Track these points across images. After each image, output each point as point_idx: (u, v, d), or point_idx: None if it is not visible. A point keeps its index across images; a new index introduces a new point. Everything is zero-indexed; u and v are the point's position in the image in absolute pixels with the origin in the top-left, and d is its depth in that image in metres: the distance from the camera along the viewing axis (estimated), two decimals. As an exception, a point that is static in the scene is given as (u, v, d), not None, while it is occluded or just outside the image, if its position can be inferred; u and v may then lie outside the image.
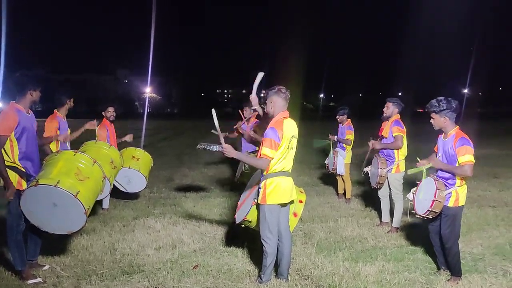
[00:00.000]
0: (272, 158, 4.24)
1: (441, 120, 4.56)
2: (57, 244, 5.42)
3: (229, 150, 4.24)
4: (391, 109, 6.47)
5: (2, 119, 4.34)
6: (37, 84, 4.58)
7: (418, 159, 4.82)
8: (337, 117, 8.33)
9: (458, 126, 4.59)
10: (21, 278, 4.53)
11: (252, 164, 4.47)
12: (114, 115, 7.31)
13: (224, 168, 12.03)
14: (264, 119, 4.82)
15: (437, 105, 4.55)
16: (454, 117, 4.58)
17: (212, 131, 4.40)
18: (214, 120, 4.36)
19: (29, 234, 4.77)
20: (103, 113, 7.25)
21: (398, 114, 6.48)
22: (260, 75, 4.77)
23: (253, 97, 5.00)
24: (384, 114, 6.54)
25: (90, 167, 4.69)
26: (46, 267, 4.90)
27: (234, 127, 8.37)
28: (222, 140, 4.35)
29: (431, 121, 4.65)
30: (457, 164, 4.45)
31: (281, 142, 4.25)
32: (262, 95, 4.85)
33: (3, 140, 4.29)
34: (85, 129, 6.23)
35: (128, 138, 7.61)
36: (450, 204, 4.50)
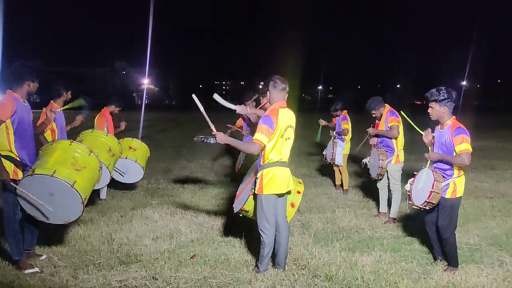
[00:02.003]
0: (265, 145, 4.26)
1: (440, 110, 4.52)
2: (54, 234, 5.42)
3: (219, 137, 4.25)
4: (378, 112, 6.50)
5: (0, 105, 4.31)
6: (35, 75, 4.53)
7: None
8: (332, 113, 8.35)
9: (454, 117, 4.58)
10: (18, 268, 4.53)
11: (243, 149, 4.46)
12: (117, 113, 7.43)
13: (222, 159, 12.03)
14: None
15: (437, 93, 4.51)
16: (452, 107, 4.56)
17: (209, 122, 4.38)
18: (199, 106, 4.35)
19: (26, 224, 4.76)
20: (111, 106, 7.27)
21: (387, 105, 6.48)
22: (216, 96, 4.78)
23: (240, 110, 4.99)
24: (377, 118, 6.56)
25: (87, 156, 4.67)
26: (43, 257, 4.90)
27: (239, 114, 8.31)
28: (213, 126, 4.32)
29: (429, 110, 4.60)
30: (454, 154, 4.44)
31: (275, 130, 4.26)
32: (260, 86, 4.84)
33: None
34: (72, 127, 6.21)
35: (122, 126, 7.60)
36: (448, 195, 4.49)
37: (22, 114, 4.42)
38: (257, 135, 4.23)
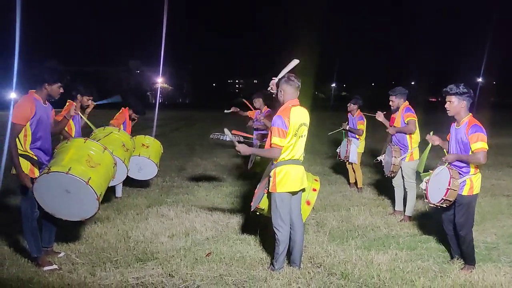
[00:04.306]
0: (283, 146, 4.26)
1: (459, 104, 4.48)
2: (71, 232, 5.50)
3: (243, 150, 4.33)
4: (396, 101, 6.44)
5: (19, 108, 4.38)
6: (54, 78, 4.56)
7: (431, 132, 4.78)
8: (348, 105, 8.30)
9: (471, 114, 4.54)
10: (37, 265, 4.60)
11: (265, 156, 4.49)
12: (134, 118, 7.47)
13: (236, 157, 12.05)
14: (276, 107, 4.80)
15: (457, 88, 4.48)
16: (470, 103, 4.53)
17: (226, 134, 4.47)
18: (229, 136, 4.46)
19: (44, 221, 4.83)
20: (131, 110, 7.36)
21: (407, 102, 6.43)
22: (295, 62, 4.59)
23: (274, 81, 4.81)
24: (392, 108, 6.52)
25: (101, 154, 4.70)
26: (61, 254, 4.97)
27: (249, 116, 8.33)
28: (236, 143, 4.42)
29: (447, 105, 4.55)
30: (470, 152, 4.40)
31: (288, 130, 4.26)
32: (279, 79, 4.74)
33: (18, 128, 4.35)
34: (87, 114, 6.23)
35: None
36: (465, 192, 4.46)
37: (41, 115, 4.49)
38: (274, 139, 4.24)
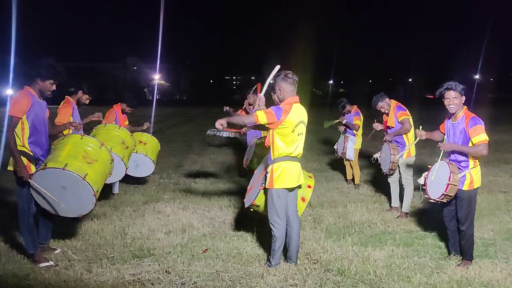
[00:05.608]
0: (258, 116, 4.17)
1: (461, 100, 4.48)
2: (68, 228, 5.48)
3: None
4: (384, 105, 6.44)
5: (16, 101, 4.35)
6: (47, 74, 4.50)
7: (421, 127, 4.79)
8: (342, 109, 8.28)
9: (466, 107, 4.55)
10: (34, 261, 4.59)
11: (242, 121, 4.34)
12: (128, 112, 7.53)
13: (233, 154, 12.04)
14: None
15: (458, 85, 4.47)
16: None
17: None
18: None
19: (40, 217, 4.82)
20: (123, 104, 7.40)
21: (393, 101, 6.43)
22: (277, 68, 4.58)
23: (261, 96, 4.87)
24: (384, 112, 6.52)
25: (98, 150, 4.70)
26: (58, 250, 4.96)
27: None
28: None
29: (451, 102, 4.47)
30: (470, 145, 4.40)
31: (282, 123, 4.21)
32: (272, 81, 4.76)
33: (15, 121, 4.30)
34: (90, 120, 6.36)
35: (145, 126, 7.76)
36: (465, 187, 4.46)
37: (37, 110, 4.45)
38: (259, 113, 4.17)
